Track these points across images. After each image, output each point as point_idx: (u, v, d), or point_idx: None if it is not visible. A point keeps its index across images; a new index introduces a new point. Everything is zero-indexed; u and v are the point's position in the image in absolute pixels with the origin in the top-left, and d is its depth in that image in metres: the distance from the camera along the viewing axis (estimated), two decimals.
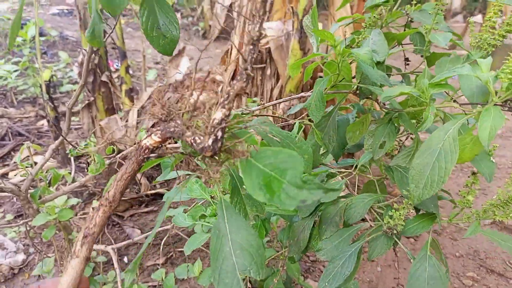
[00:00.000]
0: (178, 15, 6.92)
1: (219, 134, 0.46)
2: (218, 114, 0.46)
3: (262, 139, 0.68)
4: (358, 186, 1.15)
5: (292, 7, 2.23)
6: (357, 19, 1.04)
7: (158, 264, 1.84)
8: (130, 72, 3.29)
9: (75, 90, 3.60)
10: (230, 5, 5.87)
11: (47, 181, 1.35)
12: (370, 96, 0.89)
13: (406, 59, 1.01)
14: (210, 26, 6.77)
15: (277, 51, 2.36)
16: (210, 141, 0.46)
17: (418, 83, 0.78)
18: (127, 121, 2.71)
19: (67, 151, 2.48)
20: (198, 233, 1.18)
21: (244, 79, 0.47)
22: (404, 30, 0.95)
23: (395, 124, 0.91)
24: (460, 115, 0.76)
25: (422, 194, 0.67)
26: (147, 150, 0.49)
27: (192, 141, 0.47)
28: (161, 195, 2.41)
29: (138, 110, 2.83)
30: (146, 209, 2.29)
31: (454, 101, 0.88)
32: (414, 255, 0.87)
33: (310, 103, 0.82)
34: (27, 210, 1.34)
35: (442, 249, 1.96)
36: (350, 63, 0.91)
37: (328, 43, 0.85)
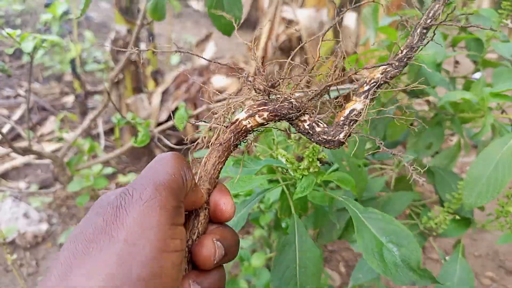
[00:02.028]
0: (202, 3, 6.90)
1: (349, 128, 0.41)
2: (358, 106, 0.41)
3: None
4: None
5: None
6: (410, 17, 1.04)
7: None
8: (156, 53, 3.31)
9: (100, 70, 3.64)
10: None
11: (82, 151, 1.38)
12: (421, 96, 0.90)
13: (456, 62, 1.02)
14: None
15: (308, 39, 2.36)
16: (341, 136, 0.41)
17: (474, 89, 0.79)
18: (150, 102, 2.74)
19: (97, 127, 2.52)
20: None
21: (399, 69, 0.40)
22: (459, 33, 0.95)
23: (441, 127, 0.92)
24: None
25: (474, 203, 0.68)
26: (245, 133, 0.43)
27: (308, 127, 0.42)
28: None
29: (162, 92, 2.86)
30: None
31: (503, 111, 0.89)
32: (427, 255, 0.89)
33: None
34: (61, 177, 1.37)
35: None
36: None
37: (385, 38, 0.86)
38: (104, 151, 2.60)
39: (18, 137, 2.60)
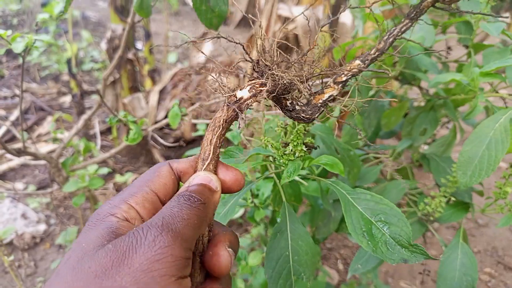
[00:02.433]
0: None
1: (325, 109, 0.48)
2: (335, 92, 0.48)
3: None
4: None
5: None
6: (401, 5, 1.03)
7: None
8: (153, 52, 3.30)
9: (97, 69, 3.63)
10: None
11: (78, 151, 1.37)
12: (413, 82, 0.89)
13: (448, 48, 1.00)
14: (231, 12, 6.74)
15: (305, 37, 2.34)
16: (317, 115, 0.48)
17: (465, 71, 0.78)
18: (148, 101, 2.74)
19: (93, 127, 2.51)
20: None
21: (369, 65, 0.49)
22: (449, 18, 0.94)
23: (436, 112, 0.91)
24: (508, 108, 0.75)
25: (469, 181, 0.67)
26: (246, 109, 0.46)
27: (290, 105, 0.48)
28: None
29: (159, 91, 2.85)
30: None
31: (496, 92, 0.87)
32: (430, 246, 0.88)
33: (353, 87, 0.82)
34: (57, 178, 1.36)
35: None
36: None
37: (375, 26, 0.84)
38: (102, 151, 2.60)
39: (15, 138, 2.59)
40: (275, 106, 0.49)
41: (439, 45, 0.99)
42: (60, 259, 1.62)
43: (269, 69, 0.48)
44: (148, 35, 3.05)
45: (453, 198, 0.80)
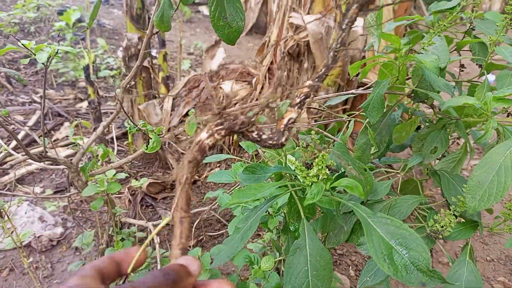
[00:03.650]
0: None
1: (288, 132, 0.51)
2: (293, 115, 0.52)
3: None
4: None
5: (336, 1, 2.23)
6: (416, 20, 1.06)
7: (189, 246, 1.91)
8: (167, 60, 3.36)
9: (112, 76, 3.70)
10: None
11: (96, 157, 1.42)
12: (425, 101, 0.91)
13: (462, 66, 1.03)
14: None
15: (315, 44, 2.38)
16: (283, 139, 0.51)
17: (478, 94, 0.80)
18: (162, 107, 2.79)
19: (110, 132, 2.57)
20: (237, 215, 1.23)
21: (320, 83, 0.52)
22: (464, 37, 0.97)
23: (446, 131, 0.93)
24: None
25: (477, 206, 0.69)
26: (208, 150, 0.50)
27: (257, 136, 0.51)
28: (192, 181, 2.47)
29: (173, 98, 2.90)
30: None
31: (509, 114, 0.90)
32: (437, 258, 0.90)
33: (368, 104, 0.85)
34: (76, 182, 1.41)
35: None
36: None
37: (390, 44, 0.87)
38: (117, 156, 2.65)
39: (33, 142, 2.66)
40: (243, 139, 0.53)
41: (451, 65, 1.01)
42: (76, 261, 1.66)
43: (223, 110, 0.52)
44: (162, 43, 3.11)
45: (462, 219, 0.82)
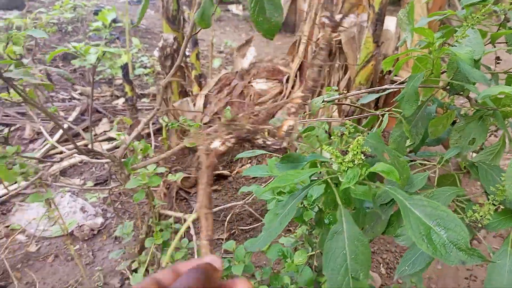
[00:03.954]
0: (240, 7, 7.04)
1: (289, 138, 0.59)
2: (291, 122, 0.60)
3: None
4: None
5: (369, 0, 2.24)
6: (448, 15, 1.06)
7: (222, 239, 1.96)
8: (199, 58, 3.44)
9: (146, 74, 3.82)
10: None
11: (137, 151, 1.49)
12: (461, 93, 0.92)
13: (497, 58, 1.03)
14: None
15: (348, 44, 2.39)
16: (285, 144, 0.60)
17: None
18: (195, 104, 2.86)
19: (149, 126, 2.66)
20: (272, 207, 1.27)
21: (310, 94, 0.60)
22: (499, 29, 0.96)
23: (485, 122, 0.94)
24: None
25: None
26: (222, 156, 0.59)
27: (262, 143, 0.61)
28: (224, 176, 2.53)
29: (205, 95, 2.97)
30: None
31: None
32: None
33: (402, 97, 0.87)
34: (119, 176, 1.49)
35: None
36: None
37: (423, 39, 0.88)
38: (153, 151, 2.75)
39: (74, 137, 2.79)
40: (251, 146, 0.63)
41: (487, 58, 1.01)
42: (116, 250, 1.75)
43: (232, 121, 0.61)
44: (195, 42, 3.19)
45: (501, 207, 0.83)
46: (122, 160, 1.46)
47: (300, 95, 0.61)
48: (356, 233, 0.73)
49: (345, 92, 1.20)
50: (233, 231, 2.05)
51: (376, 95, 1.21)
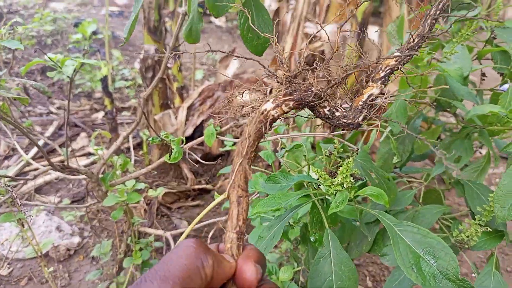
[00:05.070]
0: (223, 19, 7.05)
1: (368, 112, 0.45)
2: (375, 91, 0.45)
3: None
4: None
5: (351, 10, 2.24)
6: (443, 32, 1.06)
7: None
8: (181, 70, 3.40)
9: (127, 87, 3.75)
10: (277, 10, 5.93)
11: (116, 167, 1.43)
12: (448, 109, 0.91)
13: (483, 74, 1.02)
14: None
15: (331, 54, 2.38)
16: (361, 118, 0.45)
17: (502, 102, 0.79)
18: (177, 117, 2.81)
19: (125, 142, 2.59)
20: (257, 226, 1.23)
21: (411, 56, 0.44)
22: (485, 46, 0.96)
23: (470, 140, 0.93)
24: None
25: (507, 215, 0.68)
26: (273, 121, 0.46)
27: (329, 112, 0.45)
28: (206, 191, 2.48)
29: (187, 108, 2.92)
30: (192, 203, 2.37)
31: None
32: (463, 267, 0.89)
33: (391, 113, 0.85)
34: (96, 193, 1.43)
35: None
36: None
37: None
38: (134, 166, 2.68)
39: (50, 153, 2.70)
40: (314, 116, 0.48)
41: (472, 73, 1.01)
42: (93, 271, 1.67)
43: (294, 78, 0.47)
44: (178, 55, 3.14)
45: (488, 228, 0.81)
46: (100, 176, 1.41)
47: (397, 54, 0.45)
48: (343, 258, 0.70)
49: None
50: None
51: None
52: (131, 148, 1.84)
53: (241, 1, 0.86)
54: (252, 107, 0.49)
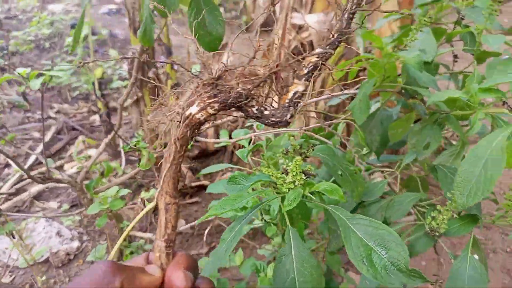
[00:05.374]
0: (221, 9, 6.98)
1: (295, 109, 0.46)
2: (300, 88, 0.46)
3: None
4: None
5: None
6: (405, 15, 1.03)
7: (202, 253, 1.91)
8: (175, 67, 3.39)
9: (124, 87, 3.76)
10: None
11: (100, 173, 1.44)
12: (416, 96, 0.88)
13: (455, 56, 0.99)
14: (252, 19, 6.78)
15: (319, 44, 2.35)
16: (288, 116, 0.45)
17: (467, 85, 0.77)
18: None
19: (120, 145, 2.61)
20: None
21: (331, 52, 0.46)
22: (454, 27, 0.93)
23: (441, 125, 0.90)
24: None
25: (466, 202, 0.66)
26: (199, 125, 0.45)
27: (257, 112, 0.46)
28: (204, 187, 2.49)
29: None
30: (190, 200, 2.37)
31: (504, 103, 0.86)
32: (454, 252, 0.87)
33: (354, 105, 0.83)
34: (82, 200, 1.44)
35: (492, 244, 1.89)
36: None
37: (374, 44, 0.85)
38: (129, 166, 2.69)
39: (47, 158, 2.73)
40: (243, 116, 0.48)
41: (445, 56, 0.98)
42: None
43: (217, 80, 0.46)
44: (169, 52, 3.13)
45: (455, 215, 0.79)
46: (86, 183, 1.42)
47: (319, 51, 0.47)
48: (305, 255, 0.69)
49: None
50: (213, 244, 2.00)
51: (341, 98, 1.17)
52: (122, 152, 1.85)
53: None
54: (177, 111, 0.48)
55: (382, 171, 0.99)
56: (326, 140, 0.95)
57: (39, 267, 1.87)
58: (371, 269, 0.55)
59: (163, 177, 0.46)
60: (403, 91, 0.92)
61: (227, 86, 0.46)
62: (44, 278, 1.33)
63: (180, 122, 0.45)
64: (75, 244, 2.04)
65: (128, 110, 3.51)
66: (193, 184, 2.51)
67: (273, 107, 0.47)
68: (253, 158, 1.05)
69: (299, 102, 0.46)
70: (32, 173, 1.90)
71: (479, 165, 0.64)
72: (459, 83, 1.04)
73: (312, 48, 2.10)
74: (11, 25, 5.33)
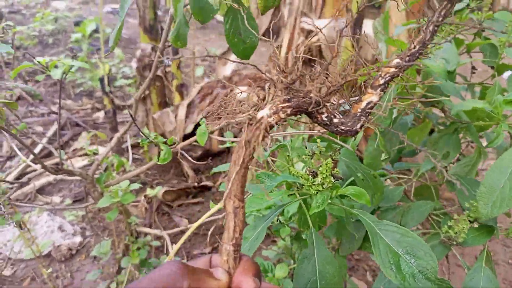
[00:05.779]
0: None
1: (366, 118, 0.45)
2: (374, 98, 0.45)
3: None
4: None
5: (346, 4, 2.23)
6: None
7: (205, 253, 1.92)
8: (181, 68, 3.40)
9: (128, 85, 3.76)
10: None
11: (111, 167, 1.44)
12: (436, 105, 0.90)
13: (473, 68, 1.01)
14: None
15: (328, 49, 2.37)
16: (358, 126, 0.44)
17: (489, 97, 0.78)
18: (176, 115, 2.82)
19: (126, 141, 2.61)
20: (250, 224, 1.23)
21: (411, 63, 0.44)
22: (474, 38, 0.95)
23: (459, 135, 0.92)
24: None
25: (490, 213, 0.67)
26: (270, 128, 0.44)
27: (327, 119, 0.45)
28: (207, 188, 2.49)
29: (187, 105, 2.93)
30: (193, 200, 2.38)
31: None
32: (457, 261, 0.88)
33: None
34: (92, 194, 1.44)
35: (494, 256, 1.91)
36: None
37: (396, 50, 0.86)
38: (134, 164, 2.69)
39: (51, 153, 2.72)
40: (311, 122, 0.48)
41: (464, 67, 0.99)
42: (94, 270, 1.69)
43: (292, 84, 0.46)
44: (175, 52, 3.14)
45: (475, 224, 0.81)
46: (96, 176, 1.42)
47: (397, 62, 0.45)
48: (327, 257, 0.70)
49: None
50: (216, 244, 2.01)
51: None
52: (129, 148, 1.85)
53: (227, 5, 0.86)
54: (248, 114, 0.48)
55: (398, 177, 1.00)
56: (345, 145, 0.96)
57: (41, 260, 1.86)
58: (399, 276, 0.57)
59: (231, 180, 0.44)
60: (423, 99, 0.93)
61: (302, 92, 0.45)
62: (50, 269, 1.33)
63: (250, 125, 0.44)
64: (78, 239, 2.03)
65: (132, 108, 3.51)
66: (196, 184, 2.51)
67: (342, 115, 0.47)
68: (257, 160, 1.06)
69: (371, 113, 0.46)
70: (36, 166, 1.89)
71: (505, 175, 0.65)
72: (475, 95, 1.05)
73: (321, 54, 2.11)
74: (15, 20, 5.32)
